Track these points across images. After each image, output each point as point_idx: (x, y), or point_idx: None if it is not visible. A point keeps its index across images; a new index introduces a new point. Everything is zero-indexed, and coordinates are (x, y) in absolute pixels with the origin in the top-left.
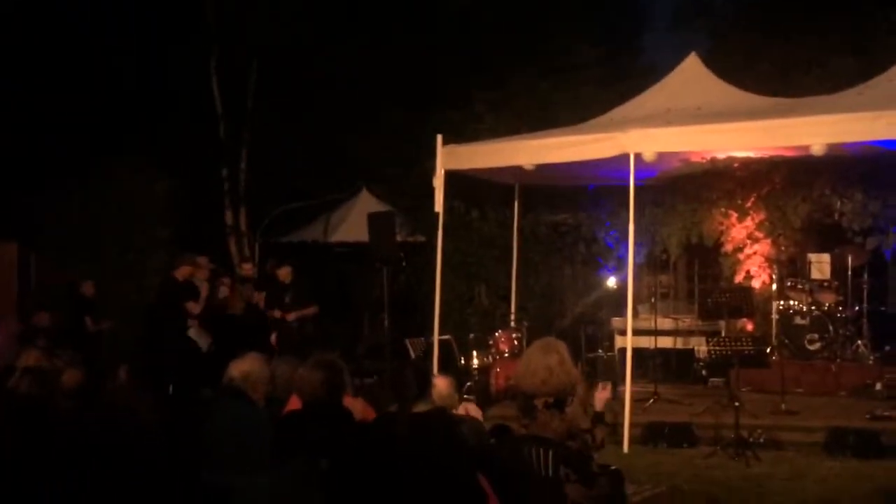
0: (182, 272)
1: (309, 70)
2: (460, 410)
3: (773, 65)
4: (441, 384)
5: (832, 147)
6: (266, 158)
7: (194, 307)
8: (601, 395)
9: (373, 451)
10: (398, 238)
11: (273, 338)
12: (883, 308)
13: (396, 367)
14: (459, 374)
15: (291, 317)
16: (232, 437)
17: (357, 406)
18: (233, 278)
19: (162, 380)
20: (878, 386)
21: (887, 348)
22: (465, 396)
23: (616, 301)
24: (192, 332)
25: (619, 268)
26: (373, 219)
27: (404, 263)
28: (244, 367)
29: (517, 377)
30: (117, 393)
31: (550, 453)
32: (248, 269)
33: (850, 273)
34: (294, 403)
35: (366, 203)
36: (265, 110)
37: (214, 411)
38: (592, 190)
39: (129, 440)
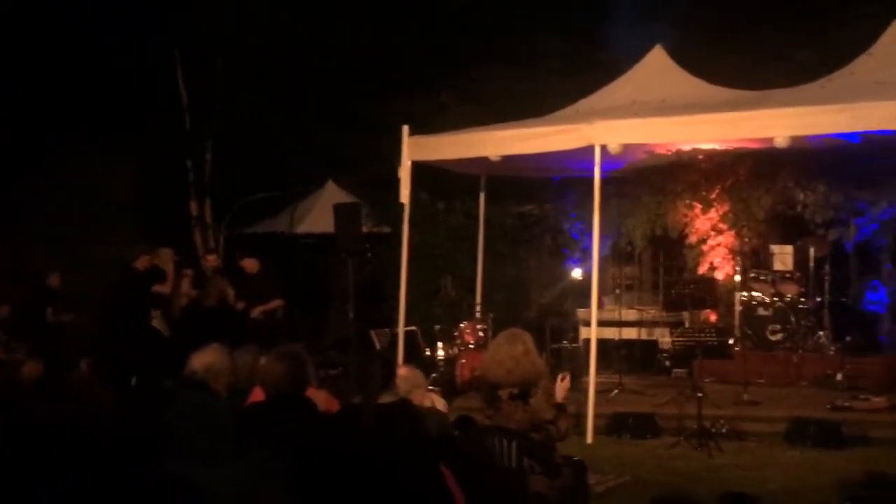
0: (142, 262)
1: (276, 61)
2: (426, 402)
3: (739, 58)
4: (406, 375)
5: (795, 140)
6: (232, 149)
7: (162, 288)
8: (561, 385)
9: (336, 443)
10: (364, 229)
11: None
12: (844, 299)
13: (361, 359)
14: (425, 366)
15: (256, 312)
16: (195, 428)
17: (321, 398)
18: (197, 270)
19: (124, 371)
20: (839, 376)
21: (848, 339)
22: (430, 388)
23: (581, 292)
24: (157, 322)
25: (585, 259)
26: (339, 210)
27: (370, 254)
28: (205, 358)
29: (483, 367)
30: (78, 385)
31: (514, 444)
32: (212, 260)
33: (812, 264)
34: (257, 395)
35: (332, 194)
36: (231, 101)
37: (176, 403)
38: (558, 181)
39: (90, 432)
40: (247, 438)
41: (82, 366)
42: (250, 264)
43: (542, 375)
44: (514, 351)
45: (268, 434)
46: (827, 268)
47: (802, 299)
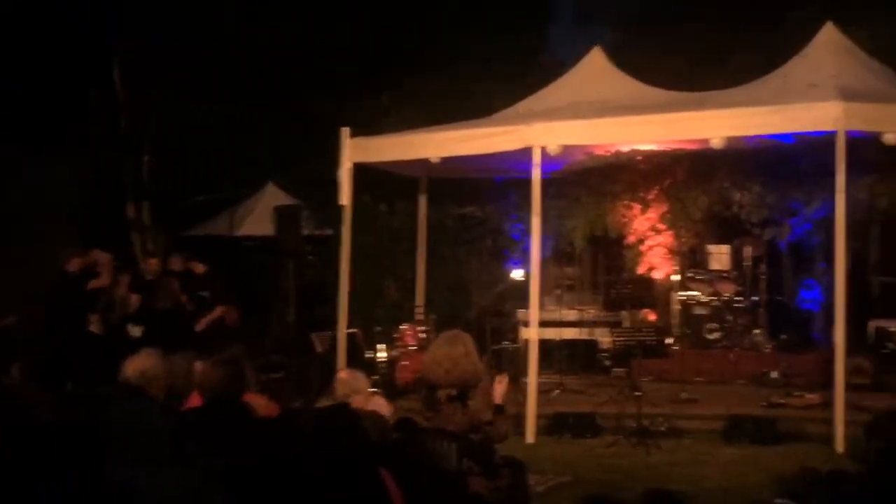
0: (73, 264)
1: (216, 61)
2: (368, 405)
3: (677, 60)
4: (347, 379)
5: (731, 140)
6: (171, 151)
7: (97, 283)
8: (499, 387)
9: (274, 448)
10: (305, 231)
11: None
12: (779, 298)
13: (299, 364)
14: (366, 368)
15: (201, 326)
16: (133, 433)
17: (259, 402)
18: (134, 274)
19: (60, 376)
20: (775, 374)
21: (783, 337)
22: (372, 390)
23: (522, 293)
24: (94, 326)
25: (526, 260)
26: (279, 212)
27: (311, 257)
28: (139, 364)
29: (422, 368)
30: (10, 390)
31: (454, 446)
32: (154, 264)
33: (748, 264)
34: (195, 400)
35: (272, 196)
36: (170, 102)
37: (113, 409)
38: (499, 183)
39: (24, 438)
40: (185, 443)
41: (14, 370)
42: (198, 267)
43: (480, 377)
44: (454, 352)
45: (205, 439)
46: (763, 267)
47: (739, 298)
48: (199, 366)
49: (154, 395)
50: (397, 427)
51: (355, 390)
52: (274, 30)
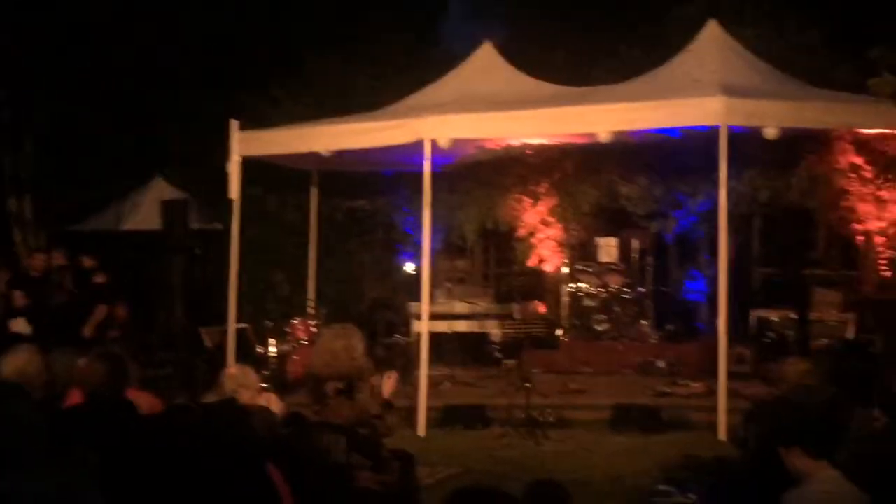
0: None
1: (103, 53)
2: (259, 401)
3: (566, 54)
4: (235, 374)
5: (618, 134)
6: (55, 143)
7: None
8: (388, 382)
9: (157, 445)
10: (194, 226)
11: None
12: (665, 289)
13: (188, 359)
14: (257, 363)
15: (88, 332)
16: (7, 435)
17: (143, 399)
18: (16, 270)
19: None
20: (661, 363)
21: (669, 327)
22: (261, 385)
23: (414, 286)
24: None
25: (417, 253)
26: (166, 206)
27: (199, 251)
28: (16, 362)
29: (310, 362)
30: None
31: (343, 440)
32: (40, 259)
33: (635, 256)
34: (75, 397)
35: (160, 190)
36: (55, 94)
37: None
38: (391, 176)
39: None
40: (63, 442)
41: None
42: (88, 262)
43: (360, 372)
44: (334, 345)
45: (86, 436)
46: (649, 259)
47: (626, 289)
48: (81, 362)
49: (33, 393)
50: (286, 422)
51: (244, 385)
52: (164, 20)
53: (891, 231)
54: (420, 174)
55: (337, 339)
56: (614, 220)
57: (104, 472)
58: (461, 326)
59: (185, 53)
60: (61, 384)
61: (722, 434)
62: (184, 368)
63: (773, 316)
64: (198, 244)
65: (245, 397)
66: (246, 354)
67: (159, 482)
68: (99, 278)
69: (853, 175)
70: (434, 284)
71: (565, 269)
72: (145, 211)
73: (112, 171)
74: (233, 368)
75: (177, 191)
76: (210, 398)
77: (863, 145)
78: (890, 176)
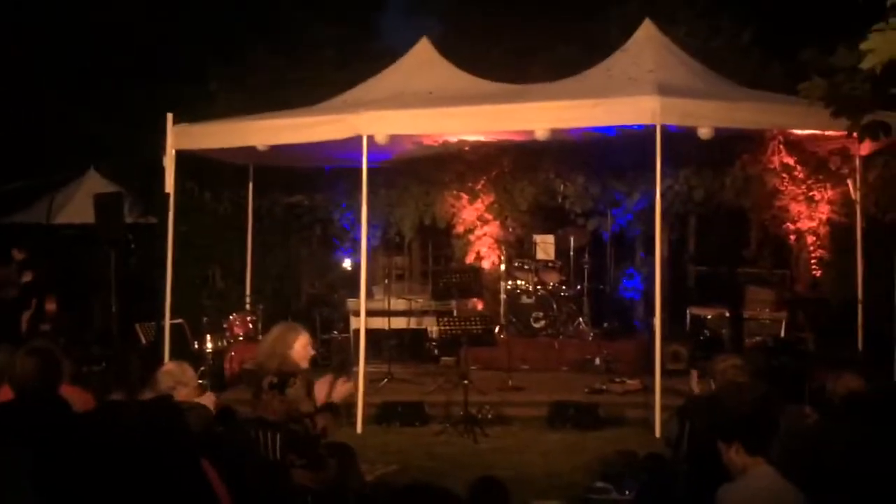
0: None
1: (32, 40)
2: (195, 397)
3: (505, 51)
4: (171, 370)
5: (555, 132)
6: None
7: None
8: (342, 387)
9: (89, 442)
10: (128, 220)
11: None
12: (602, 287)
13: (119, 355)
14: (193, 359)
15: (25, 326)
16: None
17: (76, 395)
18: None
19: None
20: (597, 360)
21: (605, 325)
22: (199, 381)
23: (351, 282)
24: None
25: (355, 249)
26: (99, 200)
27: (133, 245)
28: None
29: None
30: None
31: (278, 436)
32: None
33: (572, 254)
34: (6, 394)
35: (93, 183)
36: None
37: None
38: (328, 171)
39: None
40: None
41: None
42: (18, 254)
43: (292, 367)
44: (270, 338)
45: (16, 434)
46: (586, 256)
47: (563, 287)
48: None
49: None
50: (219, 417)
51: (181, 382)
52: (99, 10)
53: (822, 231)
54: (358, 170)
55: (274, 332)
56: (552, 218)
57: (36, 471)
58: (399, 323)
59: (118, 44)
60: None
61: (657, 430)
62: (118, 364)
63: (708, 314)
64: (132, 238)
65: (182, 394)
66: (181, 350)
67: (93, 480)
68: (27, 275)
69: (785, 175)
70: (372, 281)
71: (503, 267)
72: (78, 204)
73: (40, 164)
74: (170, 365)
75: (110, 184)
76: (146, 395)
77: (795, 146)
78: (821, 176)
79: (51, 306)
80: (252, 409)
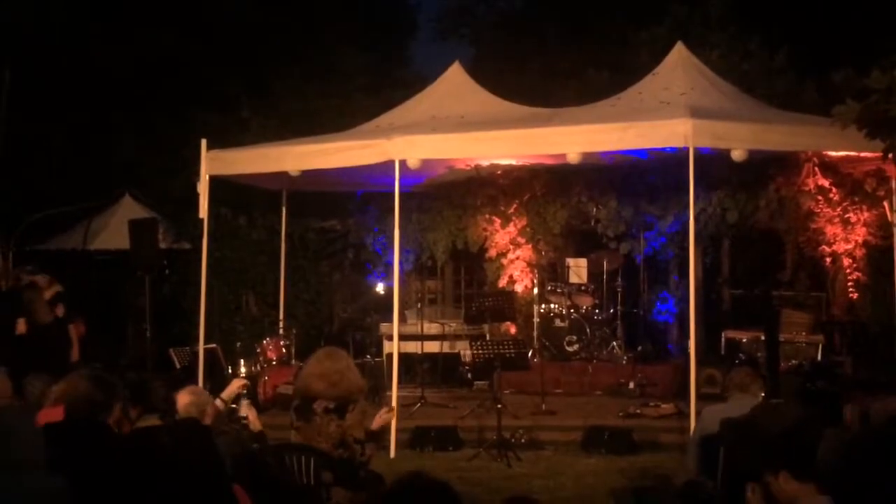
0: None
1: (71, 70)
2: (242, 411)
3: (535, 76)
4: (193, 400)
5: (587, 156)
6: (21, 161)
7: None
8: (384, 416)
9: (128, 464)
10: (162, 245)
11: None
12: (635, 310)
13: (143, 380)
14: (226, 384)
15: (76, 356)
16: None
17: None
18: None
19: None
20: (631, 385)
21: (639, 348)
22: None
23: (384, 307)
24: None
25: (388, 273)
26: (134, 225)
27: (167, 271)
28: None
29: (302, 380)
30: None
31: (312, 461)
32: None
33: (605, 277)
34: (44, 418)
35: (128, 209)
36: (21, 109)
37: None
38: (361, 196)
39: None
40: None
41: None
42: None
43: (362, 391)
44: (338, 365)
45: (65, 453)
46: (619, 280)
47: (596, 311)
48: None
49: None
50: (254, 441)
51: (202, 407)
52: (132, 41)
53: (858, 253)
54: (390, 194)
55: (338, 360)
56: (584, 242)
57: (74, 492)
58: (432, 347)
59: (153, 72)
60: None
61: None
62: (141, 392)
63: (743, 337)
64: (166, 264)
65: (208, 417)
66: (215, 375)
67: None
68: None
69: (821, 197)
70: (404, 305)
71: (535, 290)
72: (113, 230)
73: (78, 190)
74: (185, 397)
75: (145, 210)
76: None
77: (830, 167)
78: (856, 198)
79: (80, 329)
80: (299, 430)
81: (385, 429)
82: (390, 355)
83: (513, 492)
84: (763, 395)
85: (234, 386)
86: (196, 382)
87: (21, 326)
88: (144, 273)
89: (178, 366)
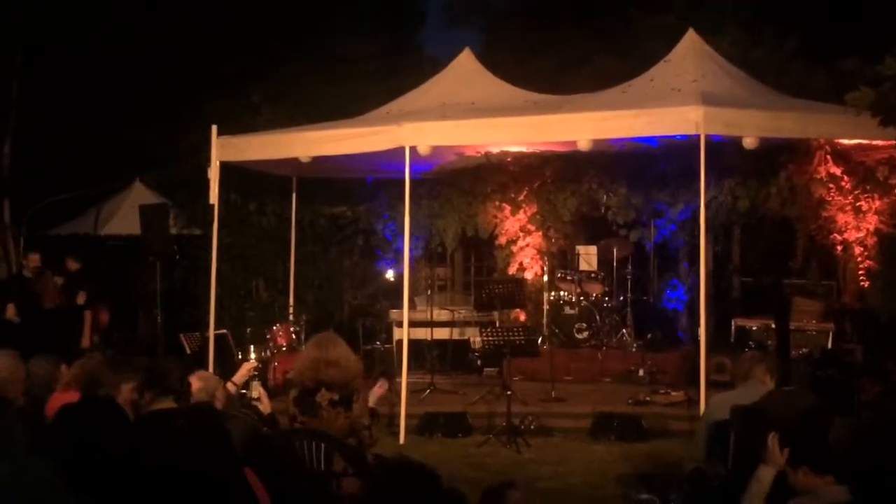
0: None
1: (81, 55)
2: (252, 392)
3: (545, 62)
4: (203, 386)
5: (598, 143)
6: (32, 146)
7: None
8: (378, 391)
9: (139, 447)
10: (173, 231)
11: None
12: (645, 297)
13: (159, 363)
14: (236, 369)
15: (87, 342)
16: None
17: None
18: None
19: None
20: (641, 372)
21: (649, 336)
22: (254, 374)
23: (394, 293)
24: None
25: (398, 260)
26: (145, 211)
27: (178, 257)
28: None
29: (298, 371)
30: None
31: (323, 446)
32: (35, 260)
33: (615, 264)
34: (59, 401)
35: (139, 195)
36: (32, 96)
37: None
38: (371, 183)
39: None
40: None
41: None
42: (70, 264)
43: (361, 375)
44: (337, 352)
45: (78, 434)
46: (629, 267)
47: (606, 298)
48: (64, 369)
49: (12, 399)
50: (265, 424)
51: (212, 391)
52: (142, 26)
53: (869, 241)
54: (400, 181)
55: (336, 347)
56: (594, 229)
57: (85, 473)
58: (442, 334)
59: (164, 57)
60: (41, 390)
61: None
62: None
63: (753, 325)
64: (176, 249)
65: (219, 401)
66: (225, 361)
67: (139, 484)
68: (78, 287)
69: (832, 185)
70: (414, 291)
71: (545, 278)
72: (123, 215)
73: (88, 175)
74: (196, 382)
75: (155, 195)
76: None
77: (841, 155)
78: (868, 186)
79: (104, 318)
80: (305, 425)
81: (380, 403)
82: (400, 342)
83: (532, 480)
84: (774, 382)
85: (245, 369)
86: (206, 368)
87: (10, 312)
88: (155, 258)
89: (188, 351)
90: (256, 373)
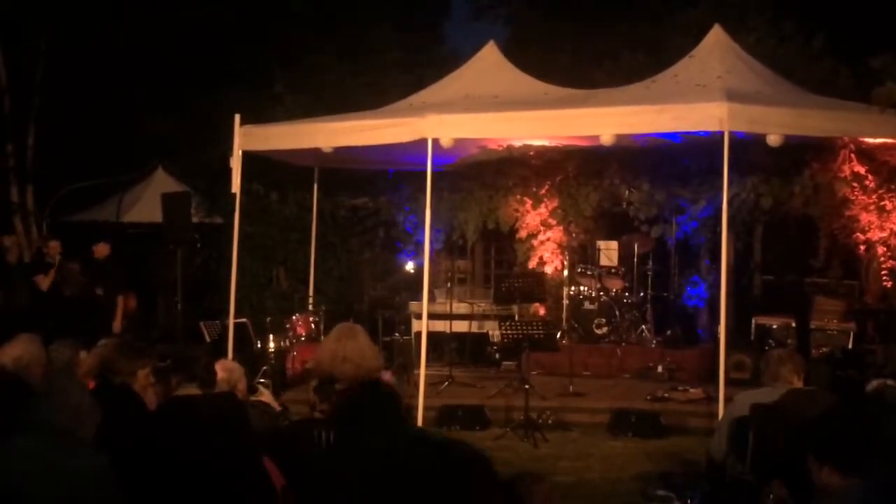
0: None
1: (104, 43)
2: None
3: (569, 56)
4: (226, 377)
5: (621, 138)
6: (56, 134)
7: None
8: (385, 379)
9: (160, 435)
10: (194, 219)
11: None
12: (666, 294)
13: (186, 350)
14: (255, 358)
15: (118, 327)
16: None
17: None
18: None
19: None
20: (660, 368)
21: (669, 332)
22: (261, 381)
23: (414, 285)
24: None
25: (418, 252)
26: (167, 199)
27: (199, 245)
28: (14, 351)
29: (319, 362)
30: None
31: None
32: (54, 247)
33: (636, 260)
34: None
35: (161, 183)
36: (56, 83)
37: None
38: (392, 174)
39: None
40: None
41: None
42: (101, 249)
43: (381, 367)
44: (358, 343)
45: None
46: (650, 263)
47: (627, 294)
48: (83, 354)
49: (32, 383)
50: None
51: (234, 382)
52: (167, 13)
53: (893, 241)
54: (422, 173)
55: (357, 338)
56: (616, 224)
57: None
58: (461, 326)
59: (187, 46)
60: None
61: None
62: (187, 359)
63: (774, 323)
64: (198, 238)
65: (239, 394)
66: (244, 349)
67: (161, 471)
68: (106, 275)
69: (856, 184)
70: (434, 284)
71: (565, 272)
72: (145, 203)
73: (111, 163)
74: (220, 372)
75: (177, 183)
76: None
77: (866, 154)
78: (893, 186)
79: (131, 304)
80: (324, 414)
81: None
82: (419, 334)
83: (550, 475)
84: (802, 382)
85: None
86: (226, 356)
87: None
88: (177, 246)
89: (208, 339)
90: (264, 379)
